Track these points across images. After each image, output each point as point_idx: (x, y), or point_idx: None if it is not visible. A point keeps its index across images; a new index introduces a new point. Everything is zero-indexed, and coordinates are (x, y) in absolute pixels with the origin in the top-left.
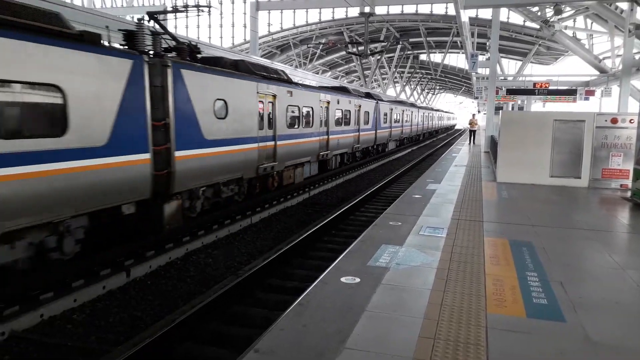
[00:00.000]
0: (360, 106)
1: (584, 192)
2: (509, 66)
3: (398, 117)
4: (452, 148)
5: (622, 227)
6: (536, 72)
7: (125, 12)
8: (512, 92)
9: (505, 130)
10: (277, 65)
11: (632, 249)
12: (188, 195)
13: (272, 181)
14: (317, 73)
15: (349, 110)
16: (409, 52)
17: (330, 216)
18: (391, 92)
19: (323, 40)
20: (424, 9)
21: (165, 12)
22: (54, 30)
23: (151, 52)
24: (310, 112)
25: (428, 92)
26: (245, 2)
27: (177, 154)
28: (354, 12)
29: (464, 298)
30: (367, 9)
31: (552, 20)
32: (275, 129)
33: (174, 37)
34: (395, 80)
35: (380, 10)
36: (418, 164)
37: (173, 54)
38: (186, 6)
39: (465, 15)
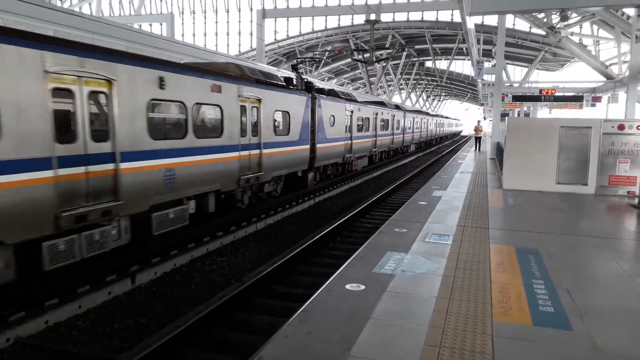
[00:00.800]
0: (394, 116)
1: (590, 199)
2: (515, 73)
3: (418, 124)
4: (457, 155)
5: (629, 234)
6: (542, 78)
7: (133, 21)
8: (518, 98)
9: (512, 136)
10: (348, 90)
11: None
12: (315, 170)
13: (348, 167)
14: (323, 80)
15: (387, 120)
16: (414, 59)
17: (336, 223)
18: (397, 98)
19: (329, 48)
20: (430, 16)
21: (301, 63)
22: (276, 83)
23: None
24: (368, 121)
25: (434, 99)
26: (251, 10)
27: (317, 145)
28: (359, 19)
29: (470, 306)
30: (372, 17)
31: (558, 26)
32: (351, 133)
33: (301, 78)
34: (400, 87)
35: (386, 17)
36: (423, 170)
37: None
38: (302, 60)
39: (471, 22)
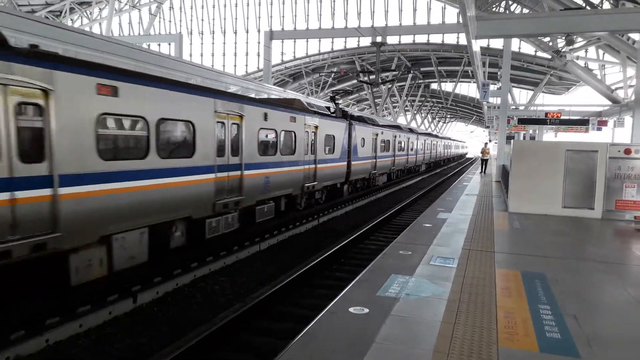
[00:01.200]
0: (408, 138)
1: (597, 224)
2: (520, 96)
3: (428, 146)
4: (462, 177)
5: (637, 259)
6: (548, 101)
7: (142, 41)
8: (523, 121)
9: (517, 159)
10: (372, 115)
11: None
12: (349, 183)
13: (372, 182)
14: (328, 101)
15: (403, 142)
16: (420, 81)
17: (339, 244)
18: (402, 120)
19: (335, 69)
20: (436, 38)
21: (338, 95)
22: (326, 113)
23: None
24: (388, 143)
25: (439, 121)
26: (259, 32)
27: (352, 163)
28: (365, 41)
29: (475, 331)
30: (378, 39)
31: (563, 50)
32: (376, 152)
33: (337, 106)
34: (406, 108)
35: (391, 39)
36: (428, 192)
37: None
38: (338, 92)
39: (477, 45)
